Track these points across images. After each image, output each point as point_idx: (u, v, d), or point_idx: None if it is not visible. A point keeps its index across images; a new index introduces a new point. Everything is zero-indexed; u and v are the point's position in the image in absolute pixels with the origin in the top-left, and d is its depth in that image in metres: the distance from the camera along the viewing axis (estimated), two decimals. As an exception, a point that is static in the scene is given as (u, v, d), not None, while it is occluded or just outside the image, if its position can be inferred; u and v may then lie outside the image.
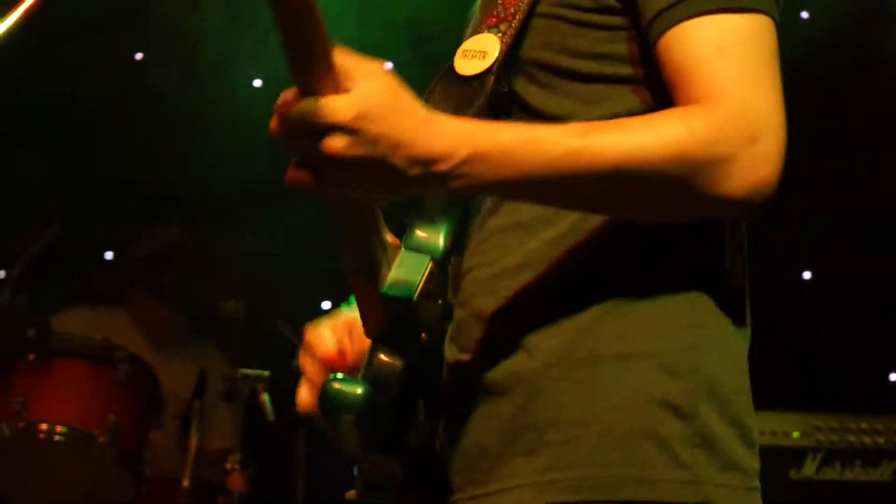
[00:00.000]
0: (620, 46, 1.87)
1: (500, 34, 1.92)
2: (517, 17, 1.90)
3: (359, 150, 1.59)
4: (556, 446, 1.80)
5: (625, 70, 1.87)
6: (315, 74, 1.58)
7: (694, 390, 1.81)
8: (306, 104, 1.57)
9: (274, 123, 1.61)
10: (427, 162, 1.63)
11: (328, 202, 1.82)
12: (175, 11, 5.86)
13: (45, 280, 5.04)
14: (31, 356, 4.57)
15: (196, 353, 5.59)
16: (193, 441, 4.78)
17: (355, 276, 1.94)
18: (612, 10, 1.86)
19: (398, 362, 1.91)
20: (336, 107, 1.58)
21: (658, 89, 1.82)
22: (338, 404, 1.89)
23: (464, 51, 1.97)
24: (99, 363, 4.66)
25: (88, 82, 5.77)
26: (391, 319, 1.92)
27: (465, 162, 1.64)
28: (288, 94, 1.61)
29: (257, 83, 6.08)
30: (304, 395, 2.07)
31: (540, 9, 1.90)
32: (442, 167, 1.64)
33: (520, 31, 1.90)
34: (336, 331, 2.08)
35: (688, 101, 1.74)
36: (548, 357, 1.83)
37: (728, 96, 1.71)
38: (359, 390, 1.88)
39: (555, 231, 1.87)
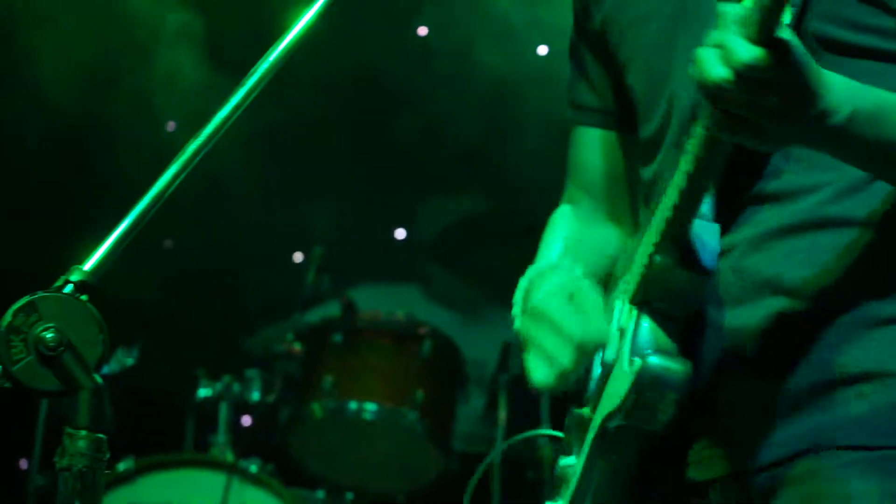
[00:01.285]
0: (889, 21, 1.84)
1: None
2: None
3: (795, 97, 1.59)
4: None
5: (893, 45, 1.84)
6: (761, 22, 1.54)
7: None
8: (757, 51, 1.54)
9: (707, 68, 1.58)
10: (826, 114, 1.62)
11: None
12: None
13: (342, 260, 5.11)
14: (339, 336, 4.63)
15: (497, 326, 5.60)
16: (502, 415, 4.78)
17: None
18: None
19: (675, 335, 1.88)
20: (784, 53, 1.56)
21: None
22: (666, 382, 1.82)
23: None
24: (404, 339, 4.69)
25: (377, 59, 5.82)
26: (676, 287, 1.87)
27: (848, 119, 1.64)
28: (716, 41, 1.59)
29: (542, 50, 6.01)
30: (543, 371, 1.98)
31: None
32: (831, 121, 1.63)
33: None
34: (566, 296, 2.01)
35: None
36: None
37: None
38: (682, 366, 1.82)
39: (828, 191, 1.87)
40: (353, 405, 4.61)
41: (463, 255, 5.32)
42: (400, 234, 6.48)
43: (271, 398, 4.52)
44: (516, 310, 2.08)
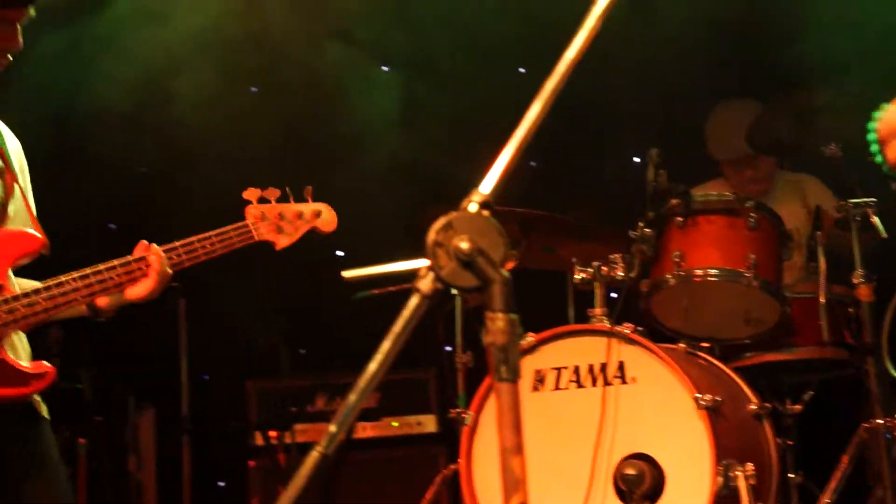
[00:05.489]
0: None
1: None
2: None
3: None
4: None
5: None
6: None
7: None
8: None
9: None
10: None
11: None
12: None
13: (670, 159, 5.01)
14: (679, 219, 4.60)
15: (803, 191, 5.46)
16: (822, 265, 4.65)
17: None
18: None
19: None
20: None
21: None
22: None
23: None
24: (733, 214, 4.60)
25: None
26: None
27: None
28: None
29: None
30: None
31: None
32: None
33: None
34: None
35: None
36: None
37: None
38: None
39: None
40: (698, 272, 4.57)
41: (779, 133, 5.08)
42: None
43: (633, 274, 4.51)
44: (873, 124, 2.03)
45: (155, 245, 3.09)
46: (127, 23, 5.88)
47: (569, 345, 4.30)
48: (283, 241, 3.34)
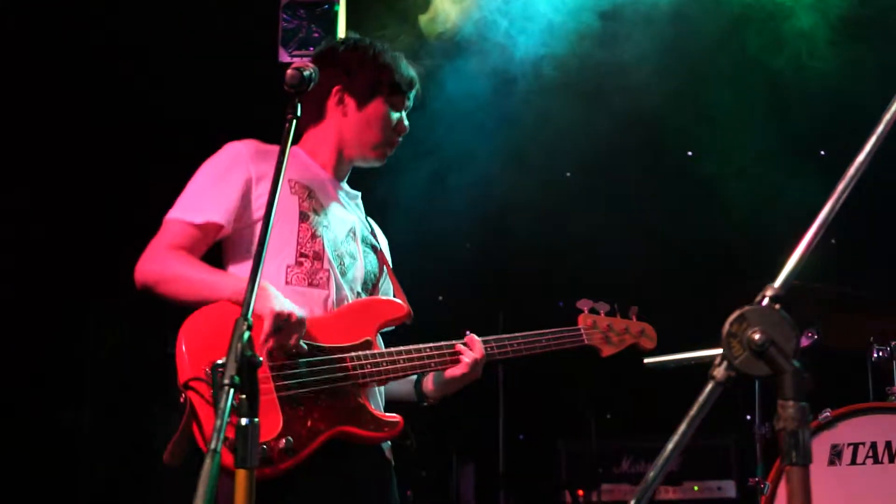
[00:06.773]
0: None
1: None
2: None
3: None
4: None
5: None
6: None
7: None
8: None
9: None
10: None
11: None
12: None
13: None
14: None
15: None
16: None
17: None
18: None
19: None
20: None
21: None
22: None
23: None
24: None
25: None
26: None
27: None
28: None
29: None
30: None
31: None
32: None
33: None
34: None
35: None
36: None
37: None
38: None
39: None
40: None
41: None
42: None
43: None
44: None
45: (474, 336, 3.27)
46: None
47: (867, 421, 4.14)
48: (608, 350, 3.50)
